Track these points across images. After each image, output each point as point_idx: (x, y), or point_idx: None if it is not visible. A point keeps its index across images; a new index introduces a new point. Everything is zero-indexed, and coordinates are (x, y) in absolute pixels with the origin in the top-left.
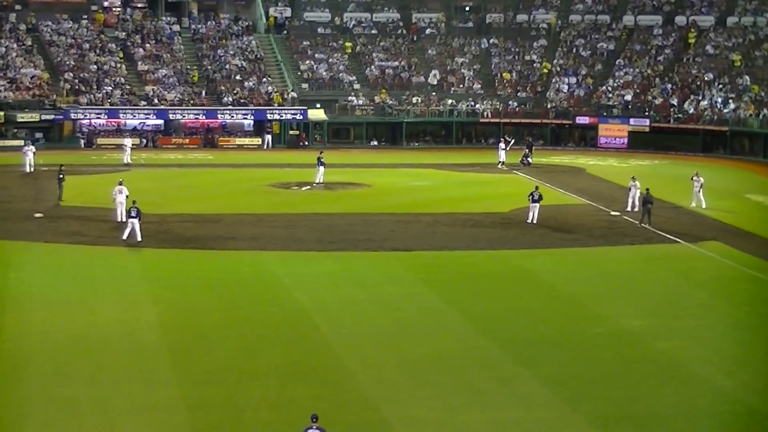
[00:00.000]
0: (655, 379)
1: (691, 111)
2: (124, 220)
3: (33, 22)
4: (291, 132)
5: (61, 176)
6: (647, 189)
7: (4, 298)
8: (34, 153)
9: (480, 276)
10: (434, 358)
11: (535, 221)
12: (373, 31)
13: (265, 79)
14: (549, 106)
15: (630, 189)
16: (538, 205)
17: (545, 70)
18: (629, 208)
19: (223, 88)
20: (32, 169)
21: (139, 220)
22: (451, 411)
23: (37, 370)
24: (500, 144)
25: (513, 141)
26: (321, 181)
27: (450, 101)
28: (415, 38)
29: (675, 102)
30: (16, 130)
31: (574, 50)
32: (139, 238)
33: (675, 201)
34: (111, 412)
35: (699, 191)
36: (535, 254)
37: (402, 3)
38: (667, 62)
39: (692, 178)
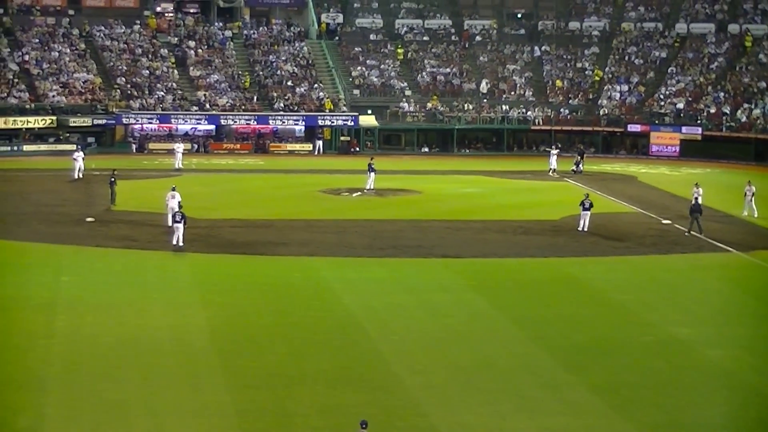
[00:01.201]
0: (705, 388)
1: (744, 119)
2: (170, 224)
3: (86, 27)
4: (342, 138)
5: (113, 180)
6: (695, 198)
7: (56, 301)
8: (83, 158)
9: (530, 283)
10: (483, 365)
11: (585, 229)
12: (424, 38)
13: (316, 85)
14: (600, 114)
15: (694, 195)
16: (588, 213)
17: (597, 78)
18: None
19: (274, 93)
20: (81, 175)
21: (184, 225)
22: (499, 417)
23: (88, 373)
24: (551, 151)
25: (557, 148)
26: (372, 187)
27: (504, 107)
28: (466, 45)
29: (727, 110)
30: (68, 135)
31: (626, 58)
32: (181, 243)
33: (726, 210)
34: (160, 415)
35: (751, 200)
36: (585, 262)
37: (454, 9)
38: (719, 70)
39: (745, 187)
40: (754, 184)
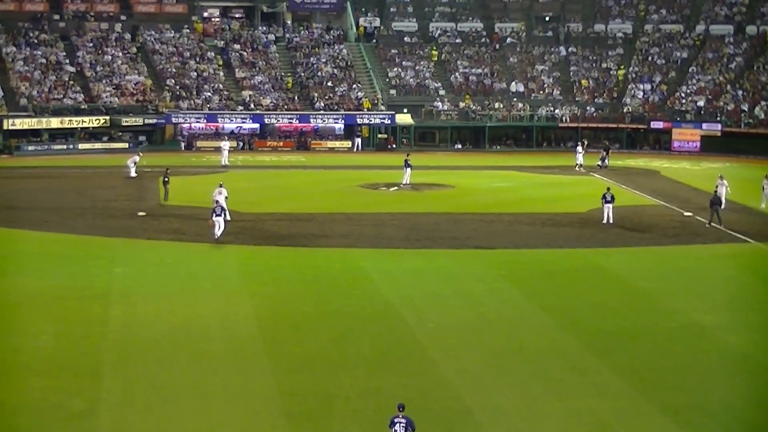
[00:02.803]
0: (726, 371)
1: (762, 116)
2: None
3: (137, 32)
4: (379, 135)
5: (166, 179)
6: (715, 190)
7: (110, 291)
8: (135, 163)
9: (558, 272)
10: (514, 350)
11: (611, 221)
12: (457, 40)
13: (355, 86)
14: (625, 112)
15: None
16: (611, 205)
17: (621, 77)
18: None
19: (315, 93)
20: (136, 175)
21: (224, 218)
22: (530, 400)
23: (141, 358)
24: (578, 147)
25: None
26: (408, 182)
27: (533, 106)
28: (497, 47)
29: (746, 107)
30: (121, 134)
31: (649, 58)
32: (219, 235)
33: (745, 202)
34: (209, 398)
35: None
36: (610, 252)
37: (485, 13)
38: (738, 69)
39: (763, 181)
40: None
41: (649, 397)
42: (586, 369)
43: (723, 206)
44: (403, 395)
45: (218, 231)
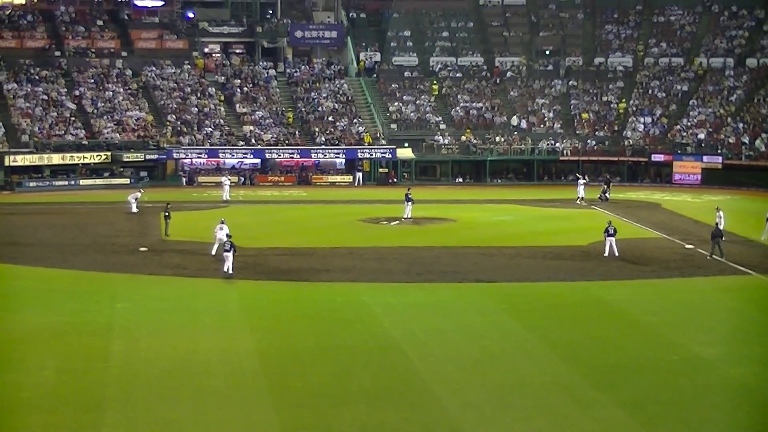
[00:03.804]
0: (729, 404)
1: (762, 149)
2: (214, 254)
3: (138, 68)
4: (381, 170)
5: (167, 214)
6: (716, 223)
7: (112, 326)
8: (137, 198)
9: (560, 306)
10: (517, 384)
11: (617, 254)
12: (458, 74)
13: (356, 120)
14: (626, 144)
15: (717, 220)
16: (613, 238)
17: (622, 110)
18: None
19: (316, 128)
20: (137, 210)
21: (234, 253)
22: None
23: (143, 394)
24: (579, 180)
25: (584, 179)
26: (409, 216)
27: (533, 139)
28: (498, 81)
29: (746, 140)
30: (122, 169)
31: (650, 91)
32: (231, 271)
33: (747, 235)
34: None
35: None
36: (613, 285)
37: (485, 47)
38: (738, 102)
39: (767, 213)
40: None
41: (653, 431)
42: (590, 403)
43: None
44: (405, 430)
45: (227, 267)
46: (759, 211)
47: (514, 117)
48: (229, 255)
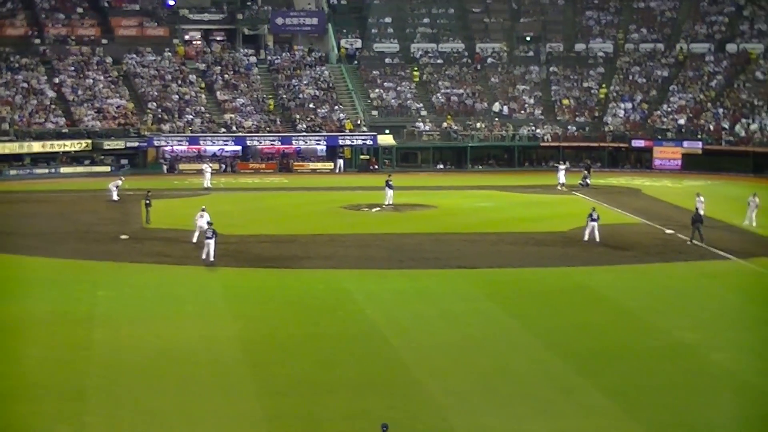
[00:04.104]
0: (711, 389)
1: (742, 134)
2: (195, 241)
3: (119, 55)
4: (362, 157)
5: (148, 201)
6: (696, 208)
7: (94, 314)
8: (118, 186)
9: (543, 292)
10: (500, 370)
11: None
12: (438, 61)
13: (337, 107)
14: (606, 130)
15: (697, 206)
16: (596, 223)
17: (602, 96)
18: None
19: (297, 115)
20: (118, 198)
21: (215, 241)
22: (516, 420)
23: (126, 382)
24: (560, 166)
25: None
26: (390, 203)
27: (514, 125)
28: (478, 67)
29: (726, 125)
30: (103, 157)
31: (630, 77)
32: (212, 258)
33: (727, 220)
34: (194, 422)
35: (754, 210)
36: (594, 271)
37: (466, 34)
38: (718, 88)
39: (749, 198)
40: (759, 197)
41: (636, 417)
42: (572, 389)
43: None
44: (389, 417)
45: (210, 254)
46: (739, 196)
47: (497, 103)
48: (211, 242)
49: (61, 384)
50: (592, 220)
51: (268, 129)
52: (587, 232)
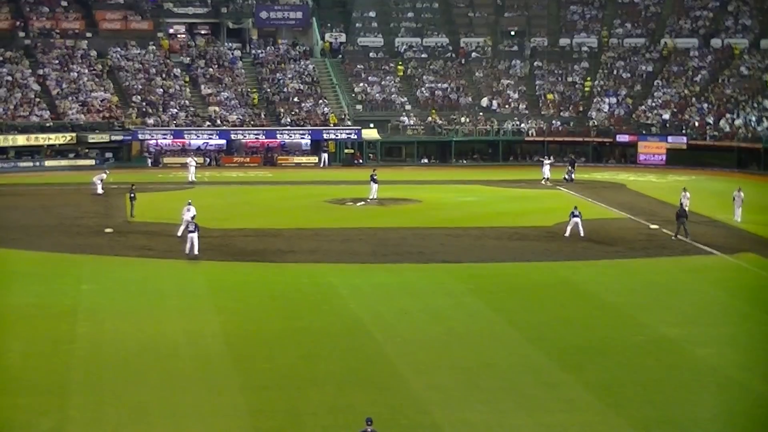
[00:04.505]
0: (695, 384)
1: (727, 129)
2: (180, 235)
3: (103, 48)
4: (346, 151)
5: (133, 195)
6: (681, 203)
7: (77, 308)
8: (102, 180)
9: (526, 287)
10: (484, 365)
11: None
12: (423, 55)
13: (321, 101)
14: (590, 125)
15: (682, 201)
16: (579, 219)
17: (587, 91)
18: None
19: (281, 109)
20: (103, 192)
21: (198, 234)
22: (500, 415)
23: (109, 377)
24: (544, 161)
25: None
26: (375, 197)
27: (502, 122)
28: (463, 61)
29: (711, 120)
30: (87, 151)
31: (615, 72)
32: (197, 252)
33: (711, 215)
34: (178, 416)
35: (739, 205)
36: (578, 266)
37: (451, 28)
38: (703, 83)
39: (734, 193)
40: (744, 191)
41: (620, 412)
42: (556, 384)
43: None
44: (372, 411)
45: (194, 247)
46: (723, 191)
47: (485, 99)
48: (194, 236)
49: (43, 378)
50: (574, 216)
51: (252, 123)
52: (569, 228)
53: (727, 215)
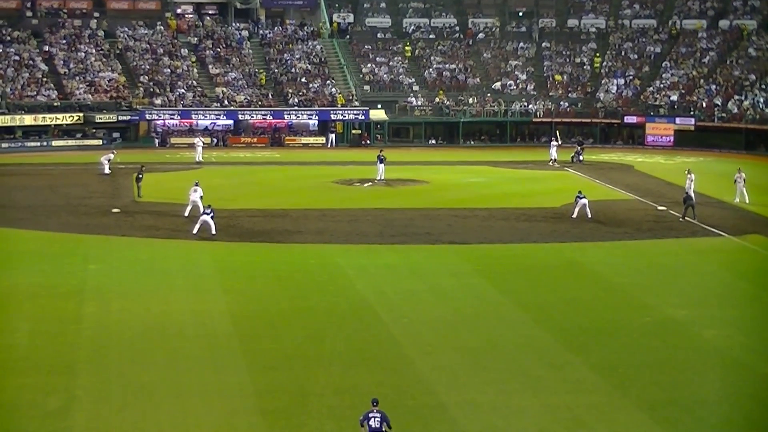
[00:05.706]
0: (701, 366)
1: (735, 110)
2: (187, 215)
3: (111, 29)
4: (353, 131)
5: (140, 176)
6: (687, 187)
7: (84, 288)
8: (110, 160)
9: (533, 268)
10: (490, 346)
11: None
12: (431, 36)
13: (329, 82)
14: (598, 106)
15: (688, 184)
16: (585, 200)
17: (596, 71)
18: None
19: (289, 90)
20: (109, 172)
21: (212, 216)
22: (505, 396)
23: (116, 356)
24: (551, 142)
25: (557, 140)
26: (382, 177)
27: (509, 103)
28: (471, 42)
29: (719, 102)
30: (94, 131)
31: (623, 53)
32: (213, 231)
33: (718, 196)
34: (184, 396)
35: (743, 187)
36: (585, 247)
37: (459, 9)
38: (711, 64)
39: (735, 175)
40: (744, 172)
41: (626, 393)
42: (562, 365)
43: (694, 200)
44: (378, 392)
45: (198, 228)
46: (730, 172)
47: (498, 83)
48: (208, 217)
49: (50, 357)
50: (580, 198)
51: (259, 103)
52: (576, 209)
53: (732, 198)
